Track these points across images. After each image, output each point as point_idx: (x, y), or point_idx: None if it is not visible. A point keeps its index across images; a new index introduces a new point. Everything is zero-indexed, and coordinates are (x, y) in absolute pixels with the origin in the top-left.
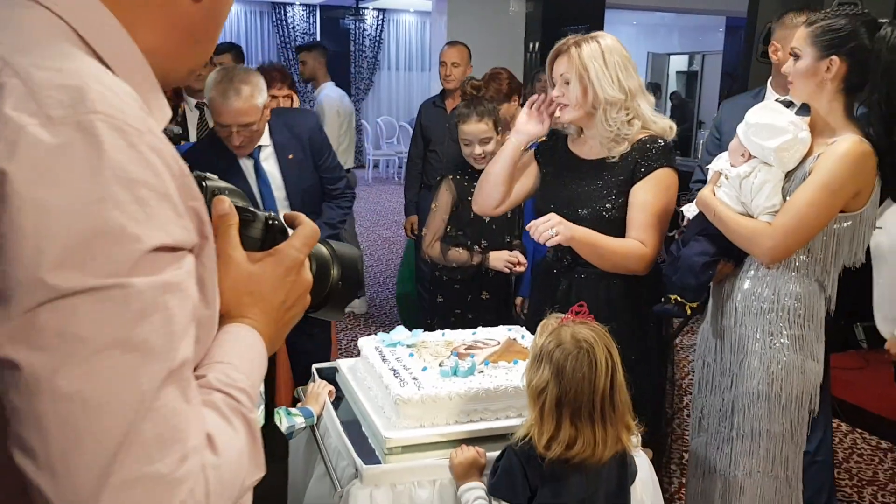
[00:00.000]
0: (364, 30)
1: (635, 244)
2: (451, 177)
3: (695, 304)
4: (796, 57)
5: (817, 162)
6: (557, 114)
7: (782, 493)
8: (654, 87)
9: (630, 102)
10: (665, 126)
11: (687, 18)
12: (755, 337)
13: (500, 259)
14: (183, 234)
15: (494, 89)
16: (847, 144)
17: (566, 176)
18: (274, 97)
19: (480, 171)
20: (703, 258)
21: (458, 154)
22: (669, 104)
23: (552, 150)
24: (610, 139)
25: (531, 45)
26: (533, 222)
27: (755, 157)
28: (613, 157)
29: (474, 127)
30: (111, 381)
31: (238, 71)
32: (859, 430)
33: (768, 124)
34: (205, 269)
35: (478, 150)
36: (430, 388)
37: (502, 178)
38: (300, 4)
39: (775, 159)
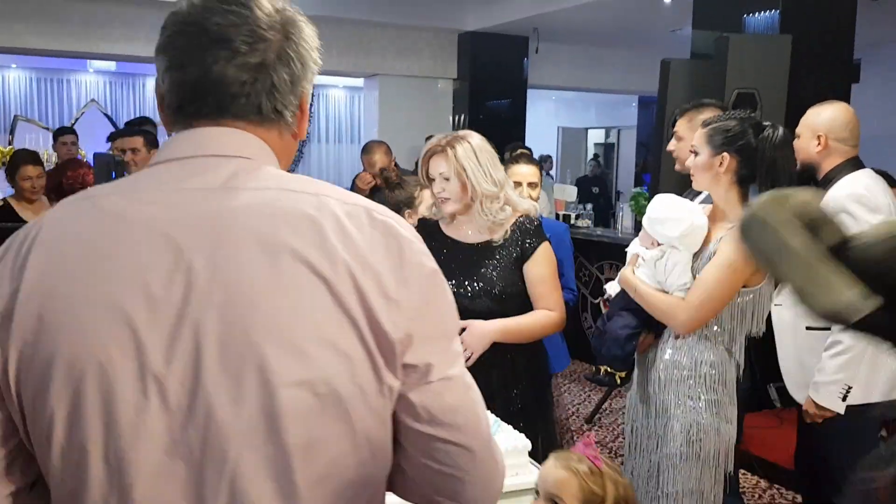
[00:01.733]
0: None
1: (546, 314)
2: None
3: (623, 374)
4: (695, 153)
5: (720, 244)
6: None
7: None
8: (544, 159)
9: (501, 192)
10: (529, 206)
11: (602, 94)
12: (676, 402)
13: None
14: None
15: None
16: None
17: (456, 259)
18: None
19: None
20: (626, 330)
21: None
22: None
23: (430, 238)
24: (488, 227)
25: (458, 118)
26: None
27: (662, 243)
28: (498, 241)
29: None
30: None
31: None
32: (776, 486)
33: (667, 216)
34: None
35: None
36: None
37: None
38: None
39: (680, 244)
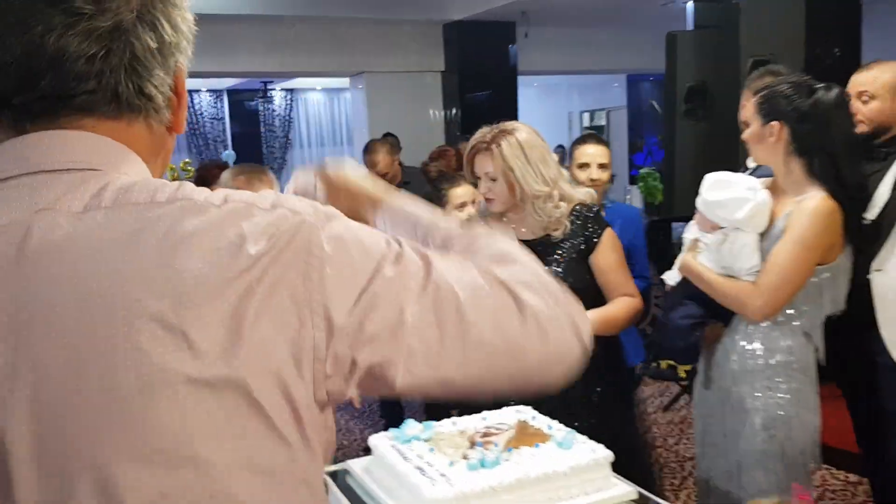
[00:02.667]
0: (273, 110)
1: (628, 300)
2: None
3: (688, 367)
4: (748, 125)
5: (789, 220)
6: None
7: None
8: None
9: (554, 190)
10: (585, 194)
11: (586, 76)
12: (753, 395)
13: None
14: None
15: (444, 165)
16: (815, 202)
17: None
18: None
19: None
20: (688, 321)
21: None
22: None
23: None
24: (543, 226)
25: (448, 112)
26: None
27: (724, 226)
28: (558, 236)
29: None
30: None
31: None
32: (826, 467)
33: (728, 198)
34: None
35: None
36: (462, 485)
37: None
38: (206, 90)
39: (748, 225)
